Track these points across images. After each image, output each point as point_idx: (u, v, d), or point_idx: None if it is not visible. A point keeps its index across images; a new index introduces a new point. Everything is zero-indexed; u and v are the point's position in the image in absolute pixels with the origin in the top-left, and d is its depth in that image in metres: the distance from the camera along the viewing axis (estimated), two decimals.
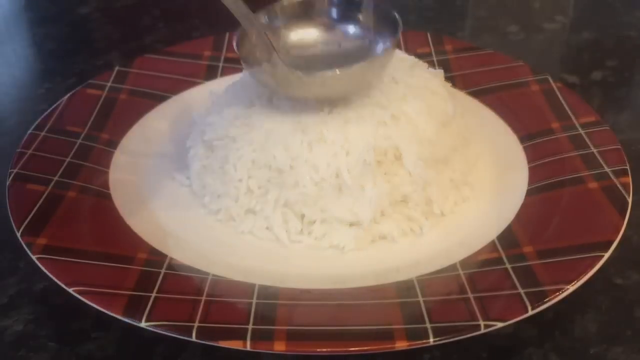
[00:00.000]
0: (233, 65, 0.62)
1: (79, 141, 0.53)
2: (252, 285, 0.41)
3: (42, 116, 0.55)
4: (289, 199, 0.46)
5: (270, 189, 0.47)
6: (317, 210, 0.46)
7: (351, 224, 0.46)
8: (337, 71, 0.44)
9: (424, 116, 0.48)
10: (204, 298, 0.39)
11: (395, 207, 0.47)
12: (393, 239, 0.46)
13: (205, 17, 0.86)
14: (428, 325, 0.36)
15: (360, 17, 0.50)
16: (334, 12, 0.51)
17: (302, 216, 0.47)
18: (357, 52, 0.49)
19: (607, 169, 0.47)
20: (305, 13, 0.51)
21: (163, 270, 0.41)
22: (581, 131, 0.52)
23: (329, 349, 0.35)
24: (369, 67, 0.46)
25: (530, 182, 0.49)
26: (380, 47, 0.49)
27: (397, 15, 0.48)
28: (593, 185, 0.46)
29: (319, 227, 0.46)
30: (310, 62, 0.49)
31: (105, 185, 0.49)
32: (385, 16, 0.49)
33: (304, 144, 0.46)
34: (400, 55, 0.54)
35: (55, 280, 0.39)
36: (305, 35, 0.51)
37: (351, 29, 0.51)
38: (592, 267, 0.39)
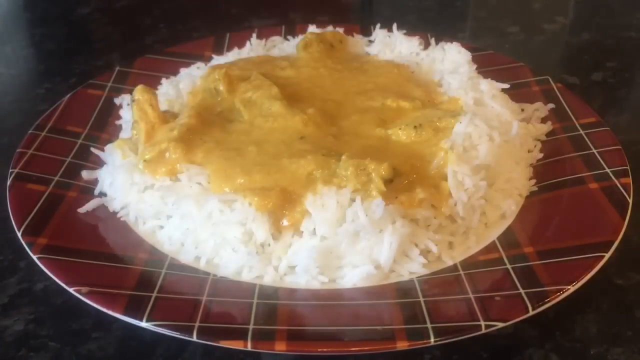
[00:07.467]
0: None
1: (79, 141, 0.53)
2: (253, 285, 0.41)
3: (42, 116, 0.55)
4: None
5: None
6: (333, 259, 0.42)
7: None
8: None
9: (481, 141, 0.47)
10: (204, 298, 0.39)
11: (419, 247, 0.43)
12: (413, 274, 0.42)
13: (206, 17, 0.86)
14: (429, 325, 0.36)
15: None
16: None
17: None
18: None
19: (607, 170, 0.48)
20: None
21: (164, 270, 0.41)
22: (582, 132, 0.52)
23: (329, 349, 0.35)
24: None
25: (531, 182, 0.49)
26: None
27: None
28: (593, 185, 0.46)
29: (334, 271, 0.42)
30: None
31: None
32: None
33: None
34: (459, 67, 0.55)
35: (56, 280, 0.39)
36: None
37: None
38: (592, 267, 0.39)
